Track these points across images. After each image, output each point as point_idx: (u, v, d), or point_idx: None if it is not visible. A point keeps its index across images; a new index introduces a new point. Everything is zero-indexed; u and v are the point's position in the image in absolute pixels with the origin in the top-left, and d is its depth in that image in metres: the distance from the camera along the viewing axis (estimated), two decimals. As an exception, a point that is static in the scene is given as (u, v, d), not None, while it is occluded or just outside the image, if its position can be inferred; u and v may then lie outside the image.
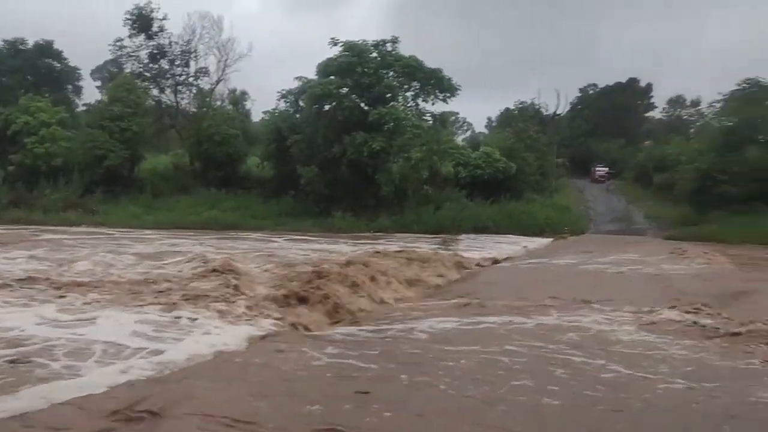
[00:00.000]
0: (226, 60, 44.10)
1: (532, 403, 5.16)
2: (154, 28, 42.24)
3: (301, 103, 36.60)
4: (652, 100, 65.10)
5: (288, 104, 37.82)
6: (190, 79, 44.55)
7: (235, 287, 10.27)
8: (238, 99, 49.56)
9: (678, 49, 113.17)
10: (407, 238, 26.95)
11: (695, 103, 61.05)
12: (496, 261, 18.81)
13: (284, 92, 37.40)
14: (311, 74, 35.81)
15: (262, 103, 78.78)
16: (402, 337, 7.88)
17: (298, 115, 36.90)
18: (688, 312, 9.37)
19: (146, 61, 43.03)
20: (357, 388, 5.45)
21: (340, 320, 9.11)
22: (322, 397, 5.23)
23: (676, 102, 64.64)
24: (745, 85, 35.08)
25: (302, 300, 9.51)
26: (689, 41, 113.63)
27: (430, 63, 35.47)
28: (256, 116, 48.58)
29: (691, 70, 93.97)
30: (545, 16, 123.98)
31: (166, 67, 43.49)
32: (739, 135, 32.13)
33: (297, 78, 36.29)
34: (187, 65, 43.92)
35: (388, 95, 35.20)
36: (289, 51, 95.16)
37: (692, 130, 51.60)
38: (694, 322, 8.57)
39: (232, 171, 39.09)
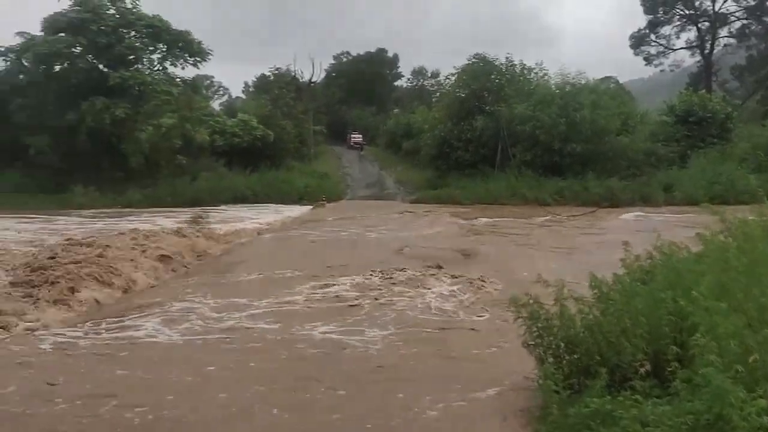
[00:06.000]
0: None
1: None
2: None
3: (25, 63, 31.79)
4: (400, 70, 69.66)
5: (8, 63, 32.49)
6: None
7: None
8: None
9: (415, 25, 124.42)
10: (161, 212, 25.24)
11: (435, 75, 66.39)
12: (257, 233, 18.71)
13: (2, 49, 32.11)
14: (36, 30, 31.41)
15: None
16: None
17: (21, 77, 31.93)
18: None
19: None
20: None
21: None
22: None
23: (420, 73, 69.93)
24: (474, 59, 38.66)
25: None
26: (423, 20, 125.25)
27: (179, 24, 33.35)
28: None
29: (428, 45, 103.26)
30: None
31: None
32: (469, 105, 35.72)
33: (19, 33, 31.65)
34: None
35: (131, 57, 32.27)
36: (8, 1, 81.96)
37: (434, 100, 55.78)
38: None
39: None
